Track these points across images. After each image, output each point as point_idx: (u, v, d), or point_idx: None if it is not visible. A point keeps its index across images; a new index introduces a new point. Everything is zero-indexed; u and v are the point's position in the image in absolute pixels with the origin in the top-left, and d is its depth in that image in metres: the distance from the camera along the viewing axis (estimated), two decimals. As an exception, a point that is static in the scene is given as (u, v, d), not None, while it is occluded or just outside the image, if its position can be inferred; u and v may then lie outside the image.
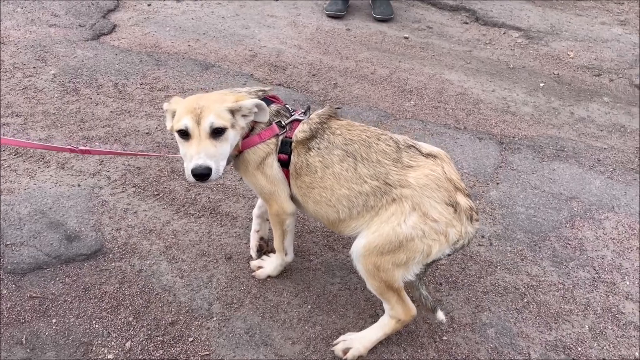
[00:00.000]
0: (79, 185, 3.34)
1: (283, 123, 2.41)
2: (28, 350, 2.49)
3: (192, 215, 3.22)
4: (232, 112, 2.28)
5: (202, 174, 2.18)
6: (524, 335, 2.67)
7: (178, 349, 2.54)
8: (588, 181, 3.66)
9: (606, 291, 2.91)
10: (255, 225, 2.92)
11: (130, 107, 4.07)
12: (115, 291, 2.77)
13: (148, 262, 2.92)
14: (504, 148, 3.93)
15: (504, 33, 5.62)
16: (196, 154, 2.20)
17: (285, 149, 2.39)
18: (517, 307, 2.81)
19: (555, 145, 3.99)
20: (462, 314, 2.76)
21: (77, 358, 2.47)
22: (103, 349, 2.52)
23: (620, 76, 4.94)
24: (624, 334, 2.70)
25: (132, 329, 2.61)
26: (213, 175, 2.21)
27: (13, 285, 2.76)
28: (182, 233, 3.10)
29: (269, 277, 2.86)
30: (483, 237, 3.18)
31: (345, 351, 2.50)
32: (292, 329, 2.65)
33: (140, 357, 2.49)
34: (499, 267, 3.01)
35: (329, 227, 2.47)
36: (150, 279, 2.84)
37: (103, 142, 3.70)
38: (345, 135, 2.33)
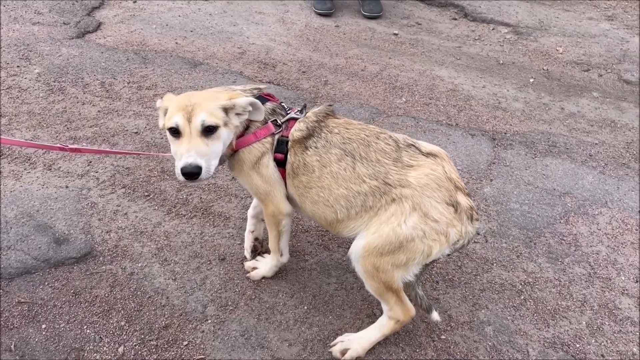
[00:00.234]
0: (66, 187, 3.27)
1: (279, 122, 2.36)
2: (17, 357, 2.42)
3: (184, 216, 3.16)
4: (226, 110, 2.23)
5: (191, 173, 2.13)
6: (522, 333, 2.66)
7: (172, 353, 2.48)
8: (581, 176, 3.66)
9: (602, 287, 2.91)
10: (249, 225, 2.87)
11: (117, 106, 3.99)
12: (106, 295, 2.71)
13: (140, 265, 2.86)
14: (497, 144, 3.92)
15: (493, 29, 5.61)
16: (186, 152, 2.14)
17: (281, 148, 2.34)
18: (514, 305, 2.79)
19: (547, 141, 3.99)
20: (460, 312, 2.74)
21: (69, 364, 2.41)
22: (95, 354, 2.45)
23: (609, 71, 4.95)
24: (621, 330, 2.70)
25: (124, 333, 2.55)
26: (203, 175, 2.15)
27: (0, 291, 2.68)
28: (174, 234, 3.04)
29: (263, 278, 2.82)
30: (478, 234, 3.16)
31: (344, 352, 2.46)
32: (288, 330, 2.61)
33: (134, 362, 2.44)
34: (495, 264, 3.00)
35: (327, 227, 2.42)
36: (142, 281, 2.78)
37: (91, 142, 3.62)
38: (343, 134, 2.29)
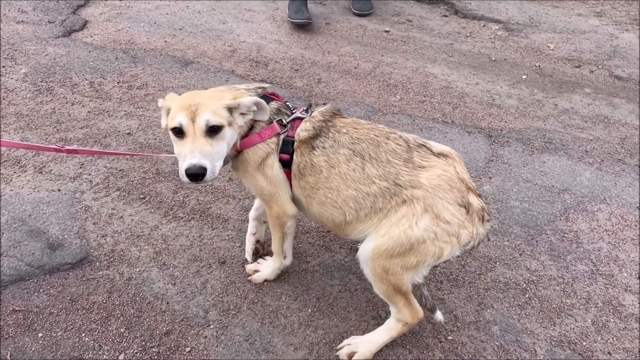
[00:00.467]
0: (59, 190, 3.17)
1: (284, 121, 2.30)
2: (14, 368, 2.34)
3: (181, 218, 3.08)
4: (230, 109, 2.17)
5: (196, 174, 2.06)
6: (528, 332, 2.64)
7: (175, 359, 2.42)
8: (578, 173, 3.65)
9: (605, 284, 2.90)
10: (251, 228, 2.81)
11: (108, 107, 3.89)
12: (104, 301, 2.63)
13: (137, 270, 2.79)
14: (493, 141, 3.90)
15: (484, 26, 5.60)
16: (190, 153, 2.08)
17: (286, 149, 2.28)
18: (520, 303, 2.77)
19: (542, 138, 3.98)
20: (466, 312, 2.71)
21: (69, 375, 2.34)
22: (95, 363, 2.38)
23: (600, 67, 4.97)
24: (626, 327, 2.69)
25: (124, 340, 2.48)
26: (208, 176, 2.09)
27: (-6, 299, 2.60)
28: (172, 238, 2.97)
29: (266, 281, 2.76)
30: (488, 238, 3.13)
31: (351, 355, 2.42)
32: (293, 334, 2.56)
33: (136, 370, 2.37)
34: (498, 263, 2.97)
35: (334, 230, 2.37)
36: (140, 287, 2.71)
37: (82, 144, 3.52)
38: (352, 134, 2.24)
